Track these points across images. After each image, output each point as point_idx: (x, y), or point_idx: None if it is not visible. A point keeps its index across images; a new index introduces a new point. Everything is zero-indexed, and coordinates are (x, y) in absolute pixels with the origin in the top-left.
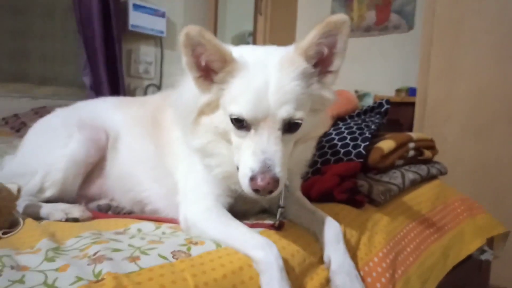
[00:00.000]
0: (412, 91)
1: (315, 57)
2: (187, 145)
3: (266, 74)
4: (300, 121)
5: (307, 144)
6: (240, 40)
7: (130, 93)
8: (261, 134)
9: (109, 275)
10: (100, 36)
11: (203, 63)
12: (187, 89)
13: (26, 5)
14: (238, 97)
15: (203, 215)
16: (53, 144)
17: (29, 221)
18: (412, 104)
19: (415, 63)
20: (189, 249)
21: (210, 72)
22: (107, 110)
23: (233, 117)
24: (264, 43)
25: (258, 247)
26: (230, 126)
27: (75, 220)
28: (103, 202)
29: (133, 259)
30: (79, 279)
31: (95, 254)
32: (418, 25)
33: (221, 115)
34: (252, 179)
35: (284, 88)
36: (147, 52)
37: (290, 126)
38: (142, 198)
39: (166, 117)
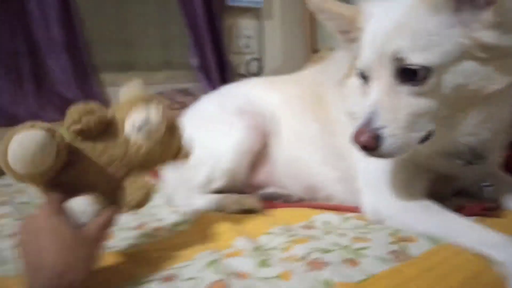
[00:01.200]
0: None
1: None
2: None
3: (388, 17)
4: (418, 66)
5: (494, 104)
6: None
7: (234, 69)
8: (372, 86)
9: (341, 286)
10: (202, 15)
11: (338, 27)
12: (339, 55)
13: None
14: (362, 48)
15: (401, 205)
16: (216, 135)
17: (204, 214)
18: None
19: None
20: (404, 248)
21: (348, 33)
22: (260, 93)
23: (357, 71)
24: None
25: (496, 245)
26: None
27: (249, 211)
28: (270, 190)
29: (353, 262)
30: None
31: (305, 257)
32: None
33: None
34: (355, 134)
35: (400, 23)
36: (246, 26)
37: (409, 73)
38: (313, 183)
39: (328, 92)
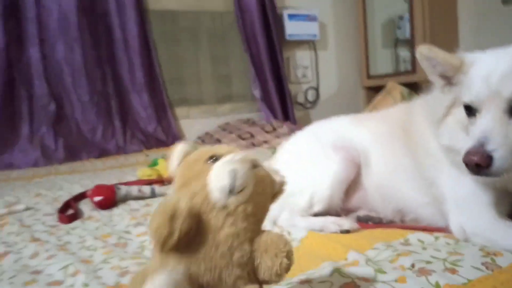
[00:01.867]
0: None
1: None
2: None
3: (497, 61)
4: None
5: None
6: (390, 25)
7: (292, 99)
8: (483, 117)
9: (449, 287)
10: (264, 50)
11: (440, 73)
12: (433, 96)
13: (197, 33)
14: (469, 86)
15: (487, 224)
16: (316, 166)
17: (312, 233)
18: None
19: None
20: (493, 259)
21: (449, 78)
22: (350, 129)
23: (464, 104)
24: (424, 28)
25: None
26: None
27: (347, 231)
28: (362, 213)
29: (453, 271)
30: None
31: (412, 267)
32: None
33: (461, 111)
34: (467, 154)
35: None
36: (302, 57)
37: None
38: (403, 207)
39: (418, 129)
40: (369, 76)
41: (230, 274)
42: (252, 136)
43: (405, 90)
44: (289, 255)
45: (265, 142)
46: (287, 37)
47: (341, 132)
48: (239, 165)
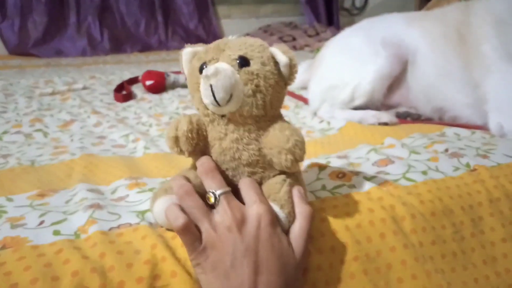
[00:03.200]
0: None
1: None
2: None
3: None
4: None
5: None
6: None
7: (339, 3)
8: None
9: (478, 167)
10: None
11: None
12: None
13: None
14: None
15: None
16: (361, 60)
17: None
18: None
19: None
20: None
21: None
22: (402, 27)
23: None
24: None
25: None
26: None
27: (385, 124)
28: (402, 109)
29: (484, 156)
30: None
31: (445, 151)
32: None
33: None
34: None
35: None
36: None
37: None
38: (444, 106)
39: (473, 31)
40: None
41: (242, 172)
42: (294, 39)
43: None
44: (292, 150)
45: (307, 45)
46: None
47: (393, 29)
48: (217, 75)
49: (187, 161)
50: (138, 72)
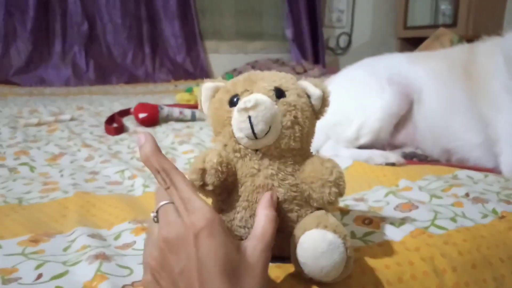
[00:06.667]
0: None
1: None
2: None
3: None
4: None
5: None
6: None
7: (324, 42)
8: None
9: (506, 214)
10: None
11: None
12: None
13: None
14: None
15: None
16: (367, 97)
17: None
18: None
19: None
20: None
21: None
22: (406, 65)
23: None
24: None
25: None
26: None
27: (392, 164)
28: (408, 149)
29: (507, 202)
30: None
31: (466, 195)
32: None
33: None
34: None
35: None
36: (340, 0)
37: None
38: (452, 147)
39: (480, 68)
40: (405, 27)
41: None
42: None
43: (455, 37)
44: (337, 182)
45: None
46: None
47: (397, 67)
48: (257, 107)
49: None
50: (128, 103)
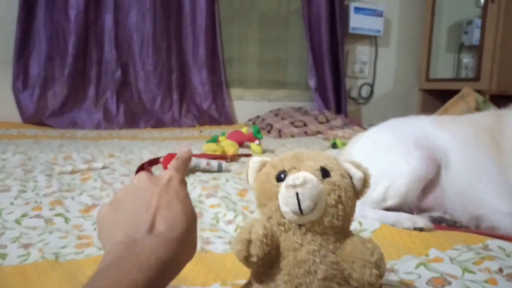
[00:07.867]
0: None
1: None
2: None
3: None
4: None
5: None
6: (456, 29)
7: (347, 92)
8: None
9: None
10: (326, 41)
11: None
12: None
13: (266, 16)
14: None
15: None
16: (394, 159)
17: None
18: None
19: None
20: None
21: None
22: (432, 129)
23: None
24: (495, 35)
25: None
26: None
27: (421, 229)
28: (436, 214)
29: None
30: None
31: (500, 271)
32: None
33: None
34: None
35: None
36: (362, 52)
37: None
38: (481, 214)
39: (509, 138)
40: (427, 79)
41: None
42: (305, 124)
43: (480, 98)
44: (378, 264)
45: (319, 132)
46: (350, 30)
47: (423, 130)
48: (304, 184)
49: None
50: (156, 151)
